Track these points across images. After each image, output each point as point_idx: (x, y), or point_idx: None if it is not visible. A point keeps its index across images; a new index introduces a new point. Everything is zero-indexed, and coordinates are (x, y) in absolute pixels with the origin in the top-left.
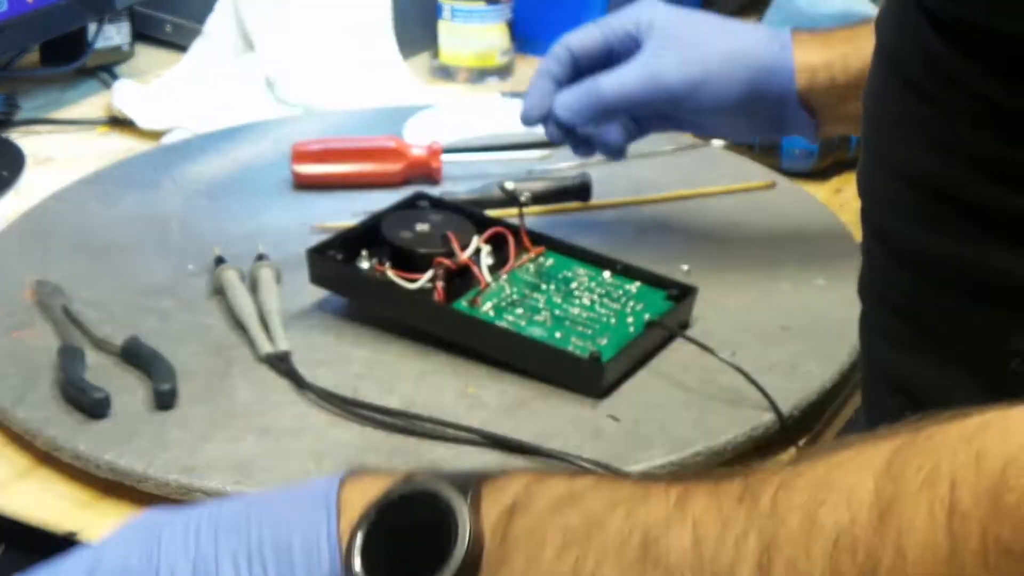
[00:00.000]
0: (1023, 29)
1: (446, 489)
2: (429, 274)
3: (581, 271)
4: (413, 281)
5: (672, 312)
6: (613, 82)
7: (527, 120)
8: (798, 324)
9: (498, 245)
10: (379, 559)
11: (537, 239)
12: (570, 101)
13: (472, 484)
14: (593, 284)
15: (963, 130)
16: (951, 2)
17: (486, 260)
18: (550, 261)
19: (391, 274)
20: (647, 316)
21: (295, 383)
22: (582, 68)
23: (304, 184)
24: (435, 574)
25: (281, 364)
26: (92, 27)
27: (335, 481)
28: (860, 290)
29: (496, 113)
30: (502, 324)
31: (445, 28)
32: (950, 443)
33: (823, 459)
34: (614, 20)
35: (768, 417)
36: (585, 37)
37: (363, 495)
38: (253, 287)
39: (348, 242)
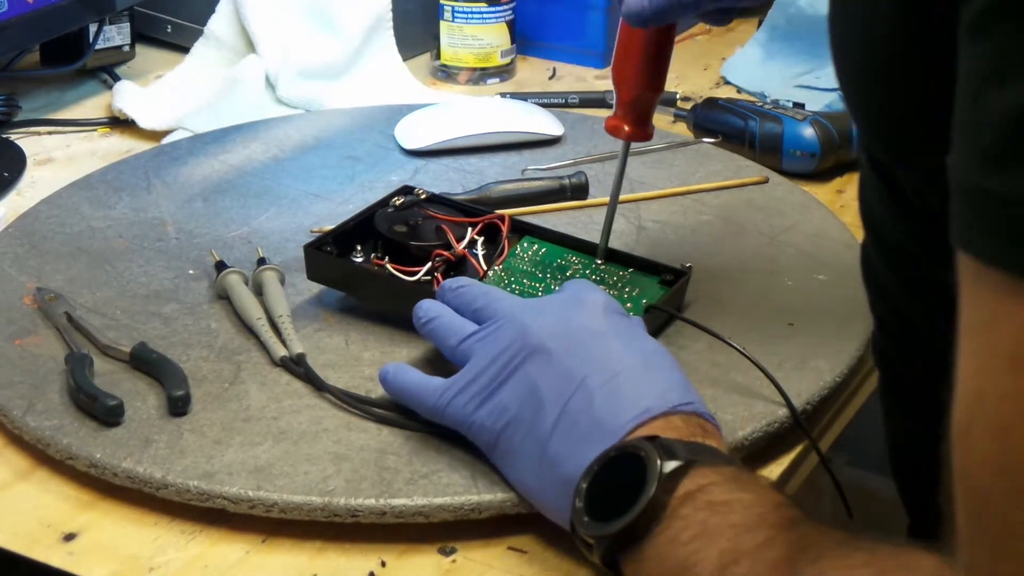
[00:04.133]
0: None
1: (654, 460)
2: (427, 267)
3: (574, 259)
4: (411, 274)
5: (667, 296)
6: None
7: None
8: (803, 320)
9: (490, 237)
10: (597, 500)
11: (519, 226)
12: None
13: (685, 463)
14: (587, 272)
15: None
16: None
17: (480, 251)
18: (543, 250)
19: (390, 267)
20: (644, 301)
21: (313, 385)
22: None
23: None
24: (622, 516)
25: (298, 367)
26: (92, 28)
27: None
28: (875, 357)
29: (487, 113)
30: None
31: (446, 28)
32: None
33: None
34: None
35: (782, 412)
36: None
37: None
38: (258, 291)
39: (342, 238)
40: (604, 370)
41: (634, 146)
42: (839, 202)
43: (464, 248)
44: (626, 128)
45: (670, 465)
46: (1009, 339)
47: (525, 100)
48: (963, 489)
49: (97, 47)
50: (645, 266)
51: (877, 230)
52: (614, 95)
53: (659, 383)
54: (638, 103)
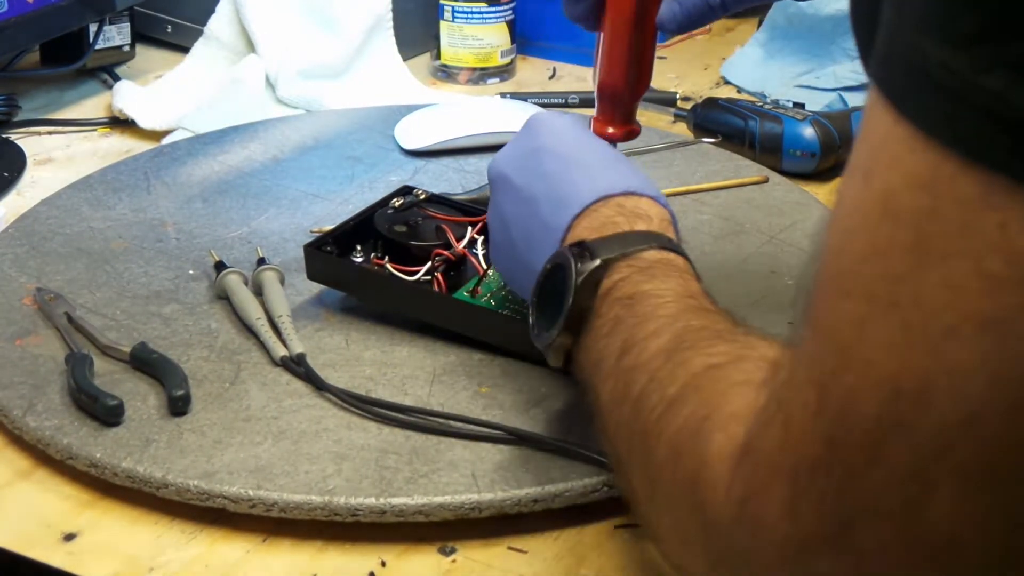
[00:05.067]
0: None
1: (571, 268)
2: (427, 266)
3: None
4: (411, 274)
5: None
6: None
7: None
8: None
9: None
10: (547, 310)
11: None
12: None
13: (602, 264)
14: None
15: None
16: None
17: (480, 250)
18: None
19: (390, 267)
20: None
21: (314, 385)
22: None
23: None
24: (555, 321)
25: (298, 367)
26: (92, 28)
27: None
28: None
29: (487, 113)
30: (506, 312)
31: (446, 28)
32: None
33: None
34: None
35: None
36: None
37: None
38: (258, 291)
39: (341, 238)
40: (548, 178)
41: (633, 146)
42: None
43: (464, 247)
44: (611, 129)
45: (589, 266)
46: (866, 150)
47: (525, 100)
48: (812, 280)
49: (97, 47)
50: None
51: None
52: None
53: (594, 177)
54: (624, 102)
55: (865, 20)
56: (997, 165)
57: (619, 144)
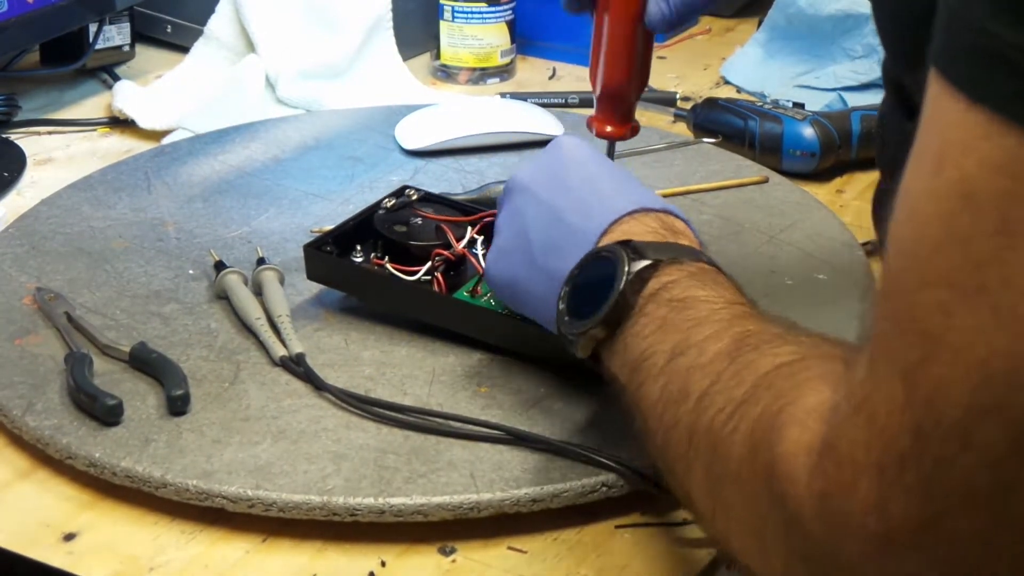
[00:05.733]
0: None
1: (623, 260)
2: (427, 266)
3: None
4: (411, 274)
5: None
6: None
7: None
8: (803, 319)
9: (490, 236)
10: (578, 301)
11: None
12: None
13: (652, 263)
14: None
15: None
16: None
17: (480, 250)
18: None
19: (390, 267)
20: None
21: (313, 385)
22: None
23: None
24: (594, 312)
25: (297, 367)
26: (92, 27)
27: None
28: None
29: (487, 113)
30: (506, 312)
31: (446, 28)
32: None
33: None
34: None
35: None
36: None
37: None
38: (257, 291)
39: (341, 238)
40: (575, 191)
41: (634, 146)
42: (839, 202)
43: (464, 247)
44: (609, 128)
45: (638, 265)
46: (935, 140)
47: (525, 100)
48: (883, 273)
49: (97, 47)
50: None
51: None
52: (594, 93)
53: (628, 192)
54: (625, 100)
55: (899, 18)
56: None
57: (621, 143)
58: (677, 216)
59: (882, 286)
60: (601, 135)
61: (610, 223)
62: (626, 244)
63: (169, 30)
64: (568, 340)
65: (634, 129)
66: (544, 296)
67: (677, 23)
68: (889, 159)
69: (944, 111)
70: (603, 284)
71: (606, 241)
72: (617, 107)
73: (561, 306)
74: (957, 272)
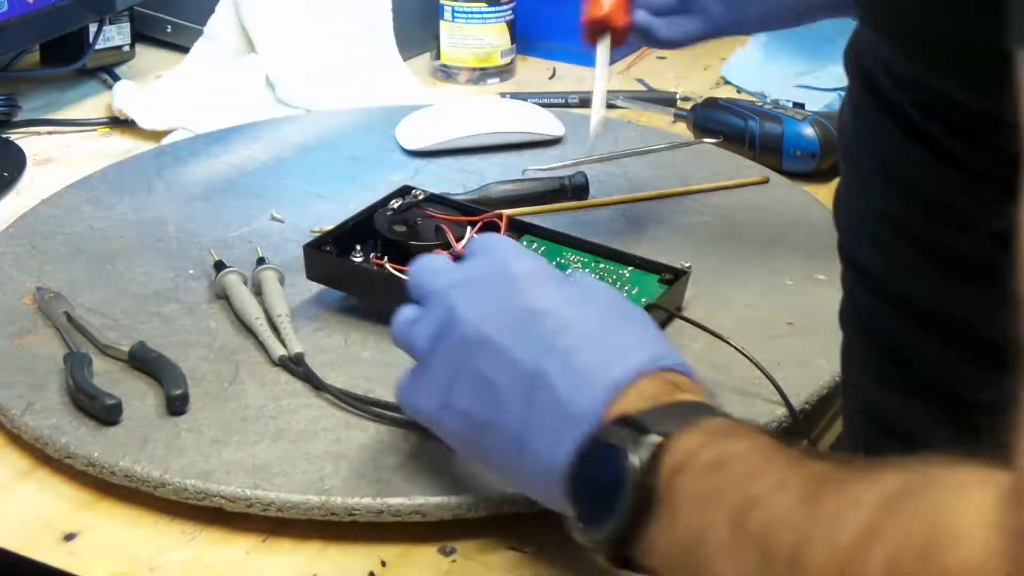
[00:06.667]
0: (986, 104)
1: (631, 450)
2: None
3: (573, 257)
4: None
5: (666, 295)
6: None
7: None
8: (803, 320)
9: None
10: (586, 500)
11: (518, 225)
12: None
13: (663, 438)
14: (587, 271)
15: (919, 171)
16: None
17: None
18: (542, 249)
19: (390, 267)
20: (644, 300)
21: (312, 385)
22: None
23: None
24: (608, 518)
25: (297, 367)
26: (92, 27)
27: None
28: (840, 319)
29: (488, 113)
30: None
31: (446, 28)
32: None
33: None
34: None
35: (781, 411)
36: None
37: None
38: (257, 291)
39: (341, 238)
40: (558, 351)
41: (635, 146)
42: None
43: (463, 247)
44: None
45: (646, 448)
46: None
47: (525, 100)
48: None
49: (97, 47)
50: (645, 265)
51: (855, 155)
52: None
53: (618, 346)
54: None
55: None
56: None
57: (623, 145)
58: (673, 369)
59: None
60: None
61: (606, 402)
62: (622, 421)
63: (169, 30)
64: (589, 550)
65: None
66: (530, 477)
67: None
68: (852, 153)
69: None
70: (612, 475)
71: (604, 420)
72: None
73: (569, 513)
74: None
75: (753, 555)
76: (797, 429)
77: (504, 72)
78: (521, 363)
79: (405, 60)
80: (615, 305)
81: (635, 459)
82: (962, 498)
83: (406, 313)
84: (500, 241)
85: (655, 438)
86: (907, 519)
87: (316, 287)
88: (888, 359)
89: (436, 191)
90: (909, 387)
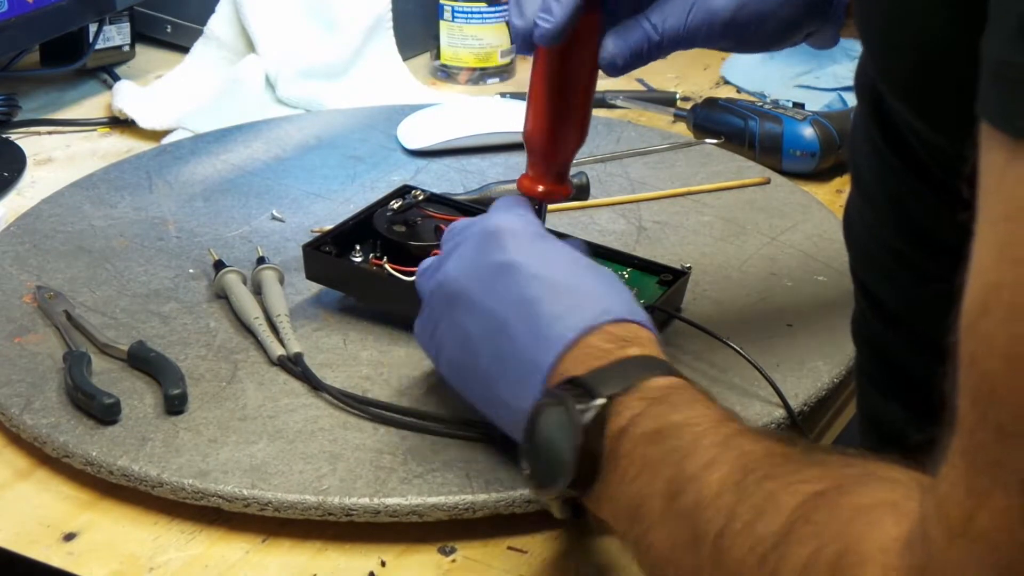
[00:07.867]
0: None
1: (574, 410)
2: None
3: None
4: (410, 274)
5: (666, 296)
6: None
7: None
8: (803, 321)
9: None
10: (541, 458)
11: None
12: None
13: (607, 400)
14: None
15: (921, 204)
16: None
17: None
18: None
19: (388, 267)
20: (643, 301)
21: (310, 385)
22: None
23: None
24: (560, 474)
25: (295, 367)
26: (92, 27)
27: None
28: (852, 333)
29: (488, 113)
30: None
31: (446, 28)
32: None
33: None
34: None
35: (779, 413)
36: None
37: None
38: (256, 290)
39: (341, 238)
40: (522, 304)
41: (636, 147)
42: (839, 202)
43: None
44: (540, 188)
45: (590, 408)
46: (1001, 205)
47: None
48: (970, 377)
49: (97, 47)
50: (645, 266)
51: (864, 179)
52: (527, 152)
53: (577, 297)
54: (551, 159)
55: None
56: None
57: (623, 145)
58: (628, 320)
59: (974, 388)
60: (531, 194)
61: (558, 356)
62: (571, 383)
63: (169, 30)
64: (542, 504)
65: (564, 192)
66: (501, 417)
67: (633, 64)
68: (860, 172)
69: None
70: (562, 436)
71: (556, 375)
72: (549, 165)
73: (525, 470)
74: None
75: (685, 531)
76: (795, 430)
77: (504, 72)
78: (492, 314)
79: (405, 60)
80: (581, 260)
81: (579, 423)
82: (875, 525)
83: (427, 261)
84: (504, 201)
85: (598, 402)
86: (822, 529)
87: (315, 287)
88: (891, 375)
89: (436, 191)
90: (912, 404)
